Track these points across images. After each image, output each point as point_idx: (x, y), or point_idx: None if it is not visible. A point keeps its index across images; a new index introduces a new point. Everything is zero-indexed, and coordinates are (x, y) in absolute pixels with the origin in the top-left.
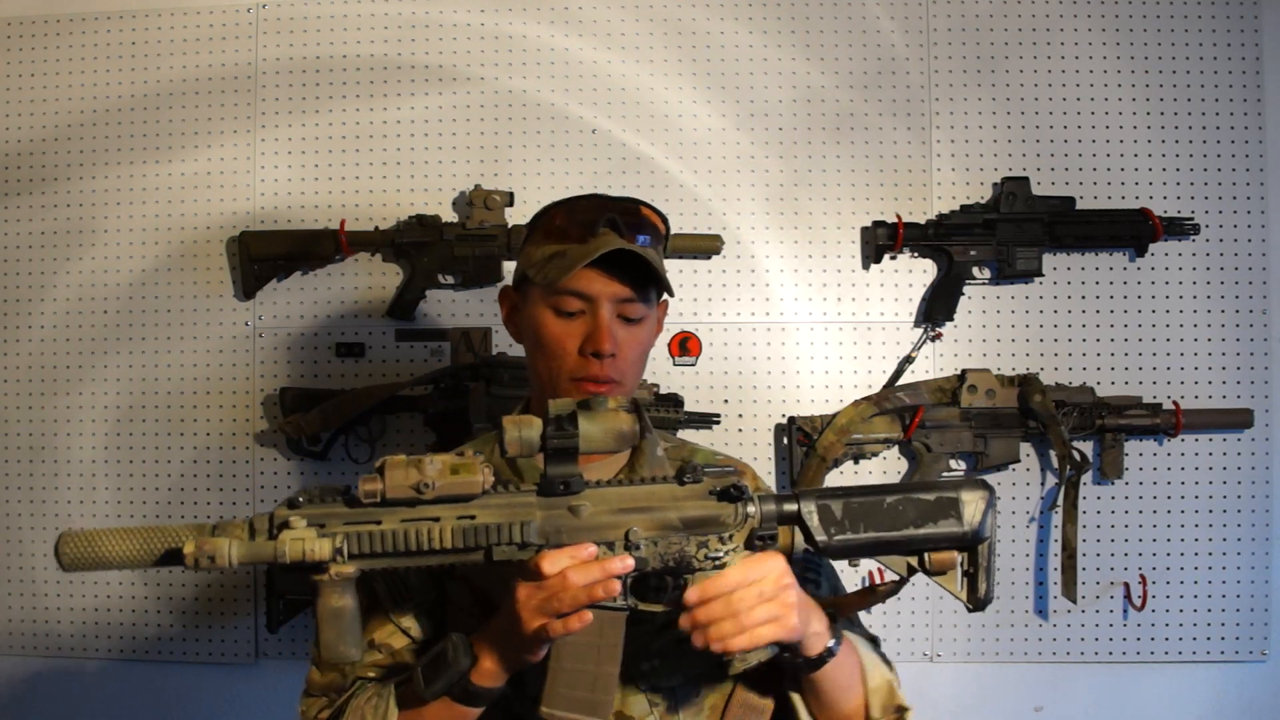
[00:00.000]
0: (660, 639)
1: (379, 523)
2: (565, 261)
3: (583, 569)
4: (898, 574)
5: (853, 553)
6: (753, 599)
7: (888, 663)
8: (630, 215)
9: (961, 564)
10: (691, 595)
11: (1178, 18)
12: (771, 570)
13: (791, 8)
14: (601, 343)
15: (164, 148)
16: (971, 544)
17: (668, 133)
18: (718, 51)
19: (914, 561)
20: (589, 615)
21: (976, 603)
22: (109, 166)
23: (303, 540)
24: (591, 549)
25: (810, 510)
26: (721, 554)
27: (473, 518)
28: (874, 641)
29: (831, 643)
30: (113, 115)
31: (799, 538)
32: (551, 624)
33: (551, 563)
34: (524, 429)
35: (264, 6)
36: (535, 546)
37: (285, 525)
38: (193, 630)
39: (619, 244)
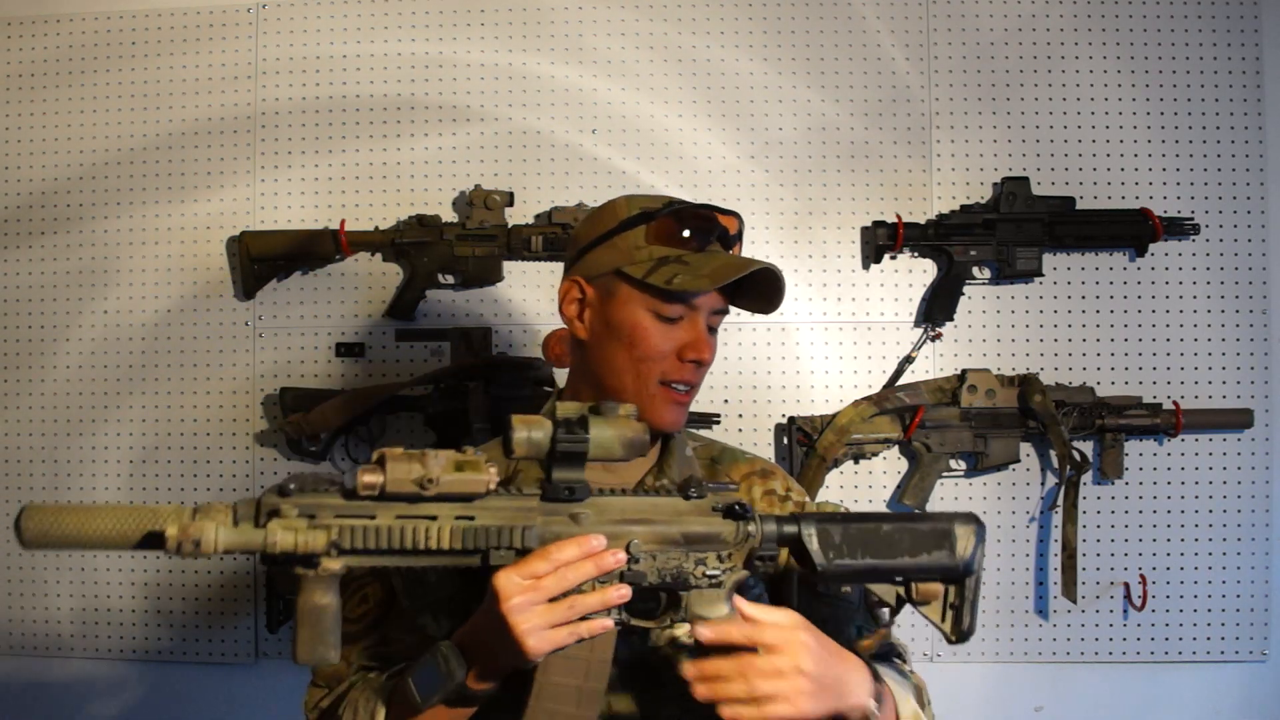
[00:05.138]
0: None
1: (373, 517)
2: (693, 271)
3: (577, 568)
4: (887, 604)
5: (849, 578)
6: (768, 670)
7: (914, 685)
8: (724, 229)
9: (947, 596)
10: (705, 632)
11: (1177, 18)
12: (791, 643)
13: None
14: (704, 351)
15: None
16: (961, 577)
17: (667, 133)
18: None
19: (902, 591)
20: (602, 625)
21: (960, 634)
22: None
23: (295, 531)
24: (601, 540)
25: (811, 533)
26: (719, 573)
27: (472, 519)
28: (900, 658)
29: (872, 706)
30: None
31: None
32: (551, 633)
33: (547, 559)
34: (533, 430)
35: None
36: None
37: (275, 513)
38: (193, 630)
39: (756, 262)
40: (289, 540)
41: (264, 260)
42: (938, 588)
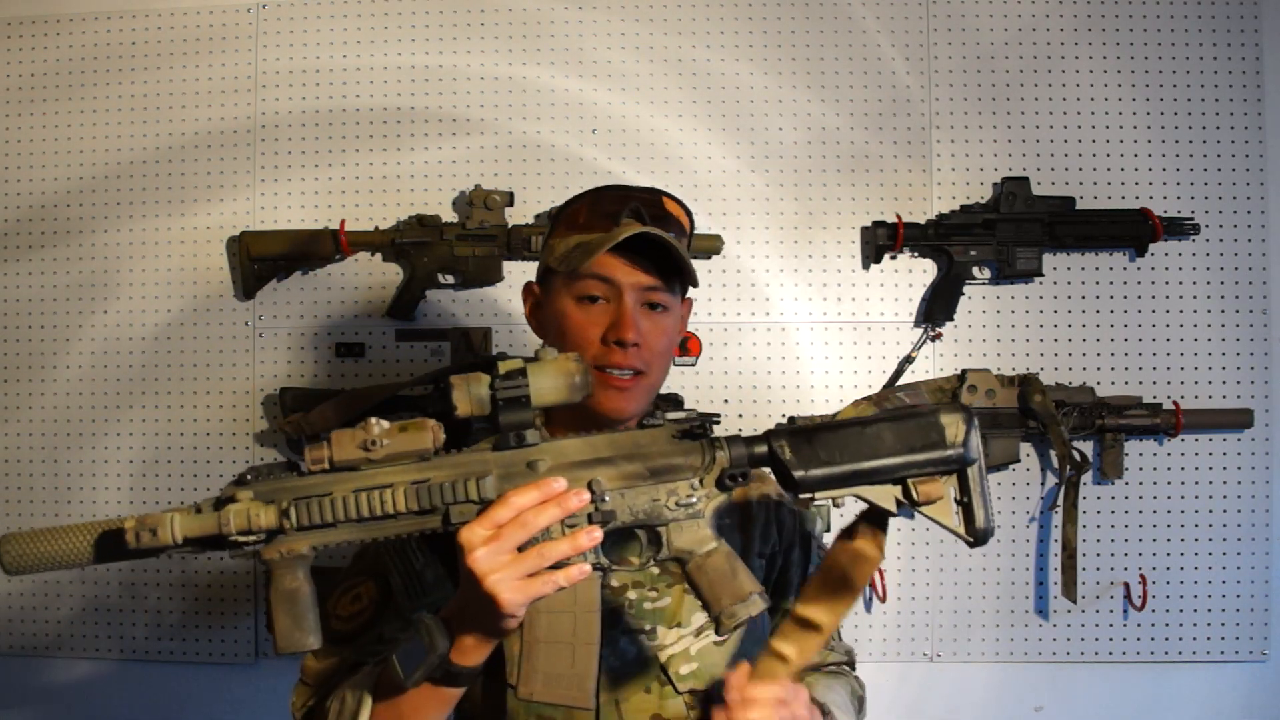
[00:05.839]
0: (698, 642)
1: (329, 493)
2: (588, 249)
3: (540, 511)
4: (887, 510)
5: (832, 484)
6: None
7: (859, 699)
8: (653, 206)
9: (954, 494)
10: (733, 695)
11: (1177, 18)
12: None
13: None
14: (624, 330)
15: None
16: (959, 467)
17: (667, 135)
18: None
19: (900, 495)
20: (580, 570)
21: (976, 534)
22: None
23: (247, 510)
24: (561, 482)
25: (783, 444)
26: (695, 500)
27: (426, 480)
28: (850, 665)
29: None
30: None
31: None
32: (525, 583)
33: (507, 505)
34: (473, 386)
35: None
36: None
37: (232, 501)
38: (193, 630)
39: (633, 226)
40: (242, 519)
41: (264, 260)
42: (939, 486)
